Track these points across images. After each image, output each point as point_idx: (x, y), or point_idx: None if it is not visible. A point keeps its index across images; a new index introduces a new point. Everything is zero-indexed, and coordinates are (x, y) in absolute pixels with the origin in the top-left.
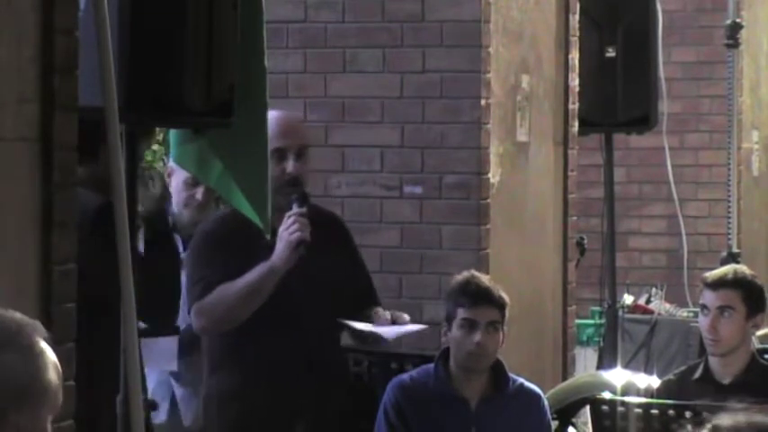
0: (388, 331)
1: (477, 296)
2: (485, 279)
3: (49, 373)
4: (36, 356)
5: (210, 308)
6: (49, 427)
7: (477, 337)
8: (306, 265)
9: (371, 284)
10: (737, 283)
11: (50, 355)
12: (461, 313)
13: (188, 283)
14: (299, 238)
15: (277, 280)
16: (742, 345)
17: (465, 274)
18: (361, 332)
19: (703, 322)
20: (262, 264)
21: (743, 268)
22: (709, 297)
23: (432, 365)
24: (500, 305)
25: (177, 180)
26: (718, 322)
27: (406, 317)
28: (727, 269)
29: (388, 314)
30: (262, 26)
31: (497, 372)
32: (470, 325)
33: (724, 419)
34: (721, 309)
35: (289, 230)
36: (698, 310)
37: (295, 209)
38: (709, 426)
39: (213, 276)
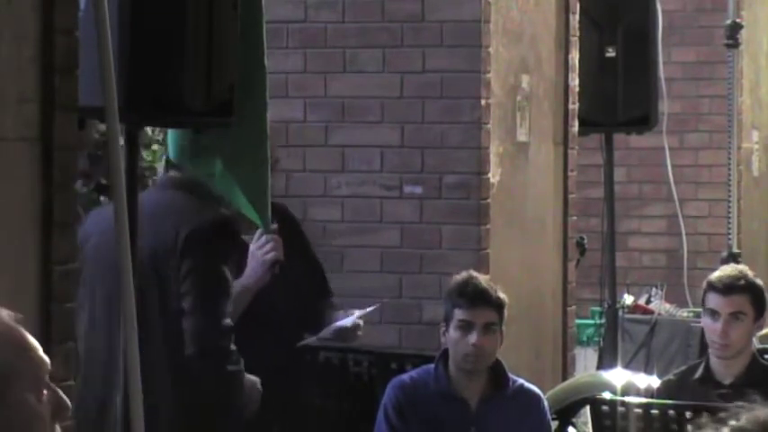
0: (346, 321)
1: (474, 297)
2: (483, 279)
3: (6, 355)
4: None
5: None
6: (36, 403)
7: (474, 338)
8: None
9: (324, 275)
10: (747, 287)
11: (9, 333)
12: (458, 314)
13: None
14: (273, 258)
15: (250, 298)
16: (746, 347)
17: (463, 275)
18: (326, 338)
19: (713, 327)
20: (234, 282)
21: (745, 269)
22: (718, 302)
23: (432, 366)
24: (498, 306)
25: None
26: (731, 327)
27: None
28: (731, 271)
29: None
30: (262, 26)
31: (497, 372)
32: (467, 326)
33: (743, 417)
34: (734, 314)
35: (263, 249)
36: (698, 310)
37: None
38: (732, 423)
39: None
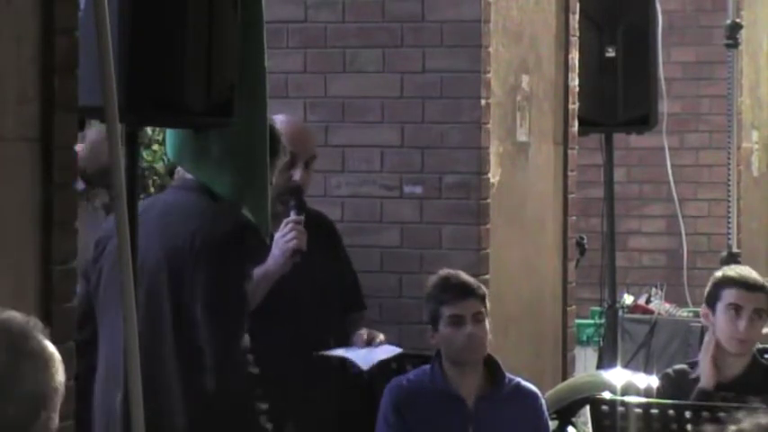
0: (363, 359)
1: (460, 291)
2: (461, 274)
3: (59, 374)
4: (47, 361)
5: None
6: (55, 424)
7: (468, 329)
8: (297, 265)
9: (358, 287)
10: (766, 287)
11: (55, 353)
12: (447, 311)
13: None
14: (295, 246)
15: (270, 285)
16: (753, 346)
17: (440, 274)
18: (338, 358)
19: (736, 323)
20: (255, 269)
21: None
22: (744, 297)
23: (428, 366)
24: (481, 296)
25: None
26: (753, 324)
27: (381, 337)
28: (747, 270)
29: (365, 333)
30: (262, 26)
31: (492, 369)
32: (458, 320)
33: (746, 422)
34: (758, 311)
35: (285, 238)
36: (698, 309)
37: (293, 216)
38: (733, 428)
39: None
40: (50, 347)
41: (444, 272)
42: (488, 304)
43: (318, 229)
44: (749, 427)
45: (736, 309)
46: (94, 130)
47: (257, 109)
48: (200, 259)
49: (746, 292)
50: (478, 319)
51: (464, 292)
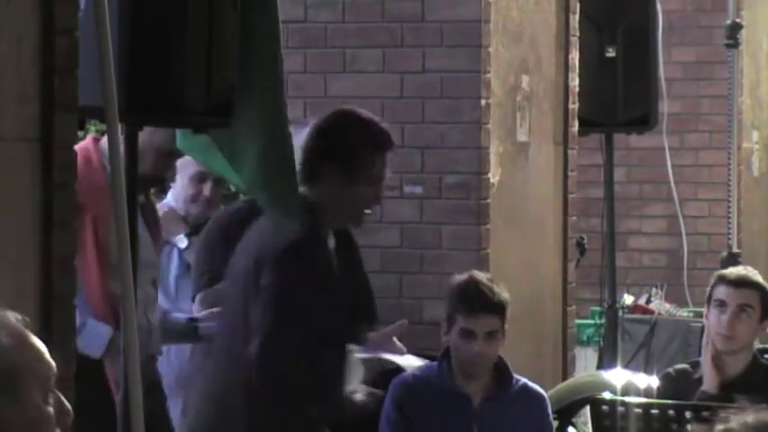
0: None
1: (476, 305)
2: (484, 282)
3: (16, 354)
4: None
5: (216, 299)
6: (43, 404)
7: (476, 347)
8: None
9: (371, 298)
10: (758, 284)
11: (21, 334)
12: (460, 321)
13: (195, 272)
14: None
15: None
16: (748, 346)
17: (464, 276)
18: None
19: (720, 318)
20: None
21: (755, 272)
22: (729, 294)
23: (435, 363)
24: (500, 310)
25: (183, 176)
26: (738, 320)
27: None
28: (742, 269)
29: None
30: (277, 24)
31: (500, 370)
32: (469, 334)
33: (733, 421)
34: (742, 307)
35: None
36: (698, 309)
37: None
38: (720, 428)
39: (222, 268)
40: (7, 330)
41: (467, 277)
42: (508, 313)
43: (338, 237)
44: (737, 427)
45: (721, 304)
46: (144, 132)
47: (274, 104)
48: (260, 276)
49: (731, 288)
50: (492, 336)
51: (479, 307)
